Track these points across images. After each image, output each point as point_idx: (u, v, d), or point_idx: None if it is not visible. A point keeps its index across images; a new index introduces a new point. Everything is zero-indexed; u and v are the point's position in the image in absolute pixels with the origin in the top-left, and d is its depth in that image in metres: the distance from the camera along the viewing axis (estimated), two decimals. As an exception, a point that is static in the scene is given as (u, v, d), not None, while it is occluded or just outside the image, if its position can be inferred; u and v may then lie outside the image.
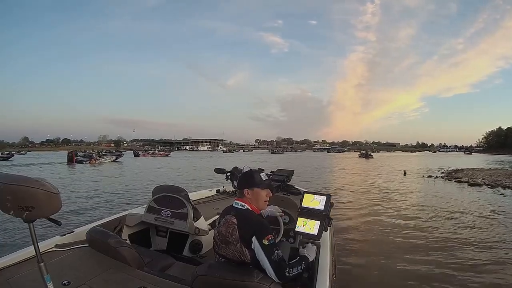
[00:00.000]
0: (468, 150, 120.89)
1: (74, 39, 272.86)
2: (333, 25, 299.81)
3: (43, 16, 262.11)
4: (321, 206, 2.22)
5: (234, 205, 1.75)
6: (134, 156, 50.35)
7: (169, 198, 2.86)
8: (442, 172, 20.25)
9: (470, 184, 13.56)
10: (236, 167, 4.18)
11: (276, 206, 2.31)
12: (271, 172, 4.45)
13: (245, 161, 36.58)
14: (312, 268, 1.86)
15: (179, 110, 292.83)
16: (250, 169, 1.89)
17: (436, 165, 29.93)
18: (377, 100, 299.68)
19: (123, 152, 50.29)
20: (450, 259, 4.70)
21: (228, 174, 4.17)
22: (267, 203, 1.83)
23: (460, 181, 14.42)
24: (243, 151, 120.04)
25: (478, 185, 13.36)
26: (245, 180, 1.80)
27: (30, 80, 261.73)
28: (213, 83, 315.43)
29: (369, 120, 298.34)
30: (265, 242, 1.53)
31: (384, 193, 11.51)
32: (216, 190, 4.50)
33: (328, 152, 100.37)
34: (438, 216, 7.66)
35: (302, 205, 2.28)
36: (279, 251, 1.57)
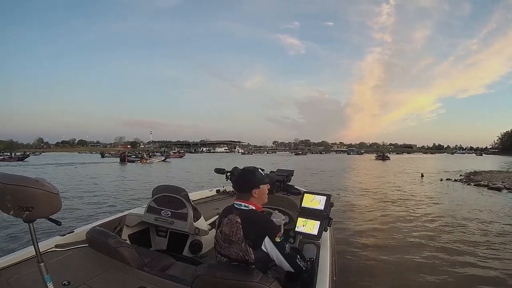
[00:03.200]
0: (479, 151, 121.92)
1: (88, 41, 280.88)
2: (349, 26, 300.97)
3: (56, 17, 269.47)
4: (321, 206, 2.20)
5: (235, 205, 1.73)
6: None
7: (169, 198, 2.84)
8: (460, 175, 19.43)
9: (490, 188, 12.96)
10: (236, 167, 4.13)
11: (280, 213, 2.31)
12: (270, 171, 4.38)
13: (267, 162, 36.82)
14: (312, 268, 1.86)
15: (196, 112, 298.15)
16: (246, 168, 1.86)
17: (453, 167, 29.06)
18: (394, 102, 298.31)
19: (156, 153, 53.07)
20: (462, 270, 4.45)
21: (228, 174, 4.15)
22: (267, 196, 1.84)
23: (479, 185, 13.82)
24: (267, 152, 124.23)
25: (498, 189, 12.73)
26: (251, 180, 1.76)
27: (45, 82, 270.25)
28: (230, 85, 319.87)
29: (386, 122, 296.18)
30: (277, 239, 1.60)
31: (398, 196, 11.06)
32: (216, 190, 4.45)
33: (348, 154, 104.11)
34: (452, 220, 7.30)
35: (302, 205, 2.26)
36: (287, 244, 1.66)
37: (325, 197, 2.21)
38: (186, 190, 2.99)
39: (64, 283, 1.60)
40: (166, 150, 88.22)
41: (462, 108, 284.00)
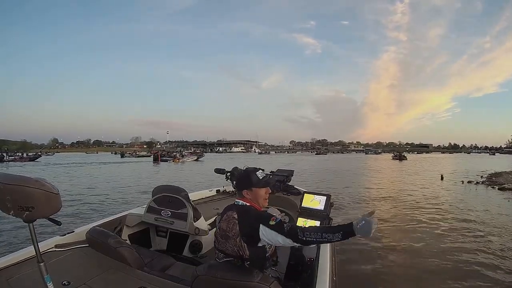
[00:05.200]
0: (492, 151, 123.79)
1: (105, 43, 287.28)
2: (364, 25, 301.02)
3: (69, 17, 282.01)
4: (321, 206, 2.19)
5: (235, 203, 1.77)
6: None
7: (169, 198, 2.85)
8: (481, 176, 18.54)
9: (515, 192, 12.11)
10: (236, 167, 4.13)
11: (275, 209, 2.24)
12: (271, 172, 4.37)
13: (290, 162, 37.34)
14: (312, 268, 1.83)
15: (213, 111, 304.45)
16: (246, 170, 1.88)
17: (472, 168, 28.13)
18: (410, 101, 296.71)
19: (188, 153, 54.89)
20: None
21: (228, 174, 4.14)
22: (267, 200, 1.84)
23: (503, 188, 13.08)
24: (288, 152, 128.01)
25: (524, 193, 12.13)
26: (242, 181, 1.81)
27: (61, 83, 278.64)
28: (247, 84, 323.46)
29: (402, 121, 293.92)
30: (272, 223, 1.55)
31: (416, 201, 10.32)
32: (216, 190, 4.47)
33: (365, 154, 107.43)
34: (474, 231, 6.47)
35: (302, 205, 2.27)
36: (288, 223, 1.57)
37: (325, 197, 2.19)
38: (186, 190, 2.99)
39: (64, 283, 1.61)
40: (181, 149, 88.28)
41: (477, 107, 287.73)
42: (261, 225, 1.55)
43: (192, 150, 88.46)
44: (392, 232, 6.39)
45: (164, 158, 40.63)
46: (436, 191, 12.96)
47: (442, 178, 17.65)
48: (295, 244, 1.53)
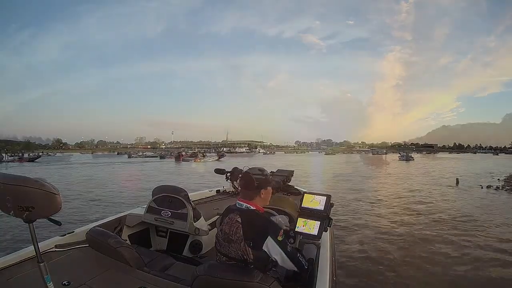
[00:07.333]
0: (496, 151, 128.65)
1: (109, 43, 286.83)
2: (370, 24, 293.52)
3: (76, 19, 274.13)
4: (321, 207, 2.11)
5: (237, 205, 1.74)
6: (160, 158, 54.25)
7: (169, 198, 2.84)
8: (498, 179, 17.45)
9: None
10: (236, 167, 4.10)
11: (285, 217, 2.22)
12: (271, 172, 4.33)
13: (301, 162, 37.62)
14: (312, 268, 1.85)
15: (218, 111, 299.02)
16: (262, 168, 1.85)
17: (483, 169, 27.32)
18: (415, 101, 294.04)
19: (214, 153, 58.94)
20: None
21: (228, 174, 4.11)
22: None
23: (528, 195, 11.99)
24: (296, 153, 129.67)
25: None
26: (261, 180, 1.74)
27: (65, 83, 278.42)
28: (252, 84, 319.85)
29: (407, 121, 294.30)
30: (280, 238, 1.61)
31: (435, 212, 8.86)
32: (216, 190, 4.44)
33: (372, 154, 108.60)
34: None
35: (302, 205, 2.19)
36: (288, 243, 1.70)
37: (325, 197, 2.14)
38: (186, 190, 2.96)
39: (64, 283, 1.61)
40: (185, 150, 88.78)
41: (481, 106, 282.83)
42: (269, 236, 1.57)
43: (196, 151, 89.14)
44: (399, 251, 5.32)
45: (186, 158, 42.90)
46: (456, 199, 11.42)
47: (457, 183, 16.25)
48: (294, 267, 1.62)
